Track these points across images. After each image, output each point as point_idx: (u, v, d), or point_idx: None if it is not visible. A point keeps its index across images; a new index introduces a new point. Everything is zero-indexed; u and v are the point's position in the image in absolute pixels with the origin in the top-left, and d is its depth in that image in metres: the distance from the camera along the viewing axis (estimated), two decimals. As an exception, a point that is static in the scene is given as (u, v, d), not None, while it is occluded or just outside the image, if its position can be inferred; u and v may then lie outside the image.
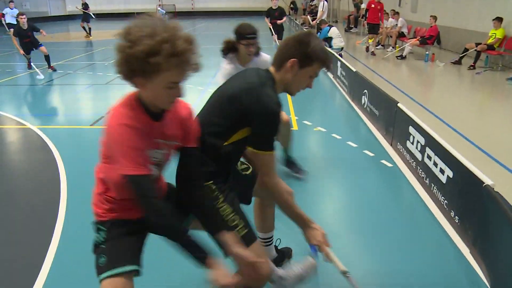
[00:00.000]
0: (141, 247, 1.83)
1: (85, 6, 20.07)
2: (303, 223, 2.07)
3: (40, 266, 2.86)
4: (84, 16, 20.20)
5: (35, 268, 2.83)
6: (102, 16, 35.41)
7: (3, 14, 16.60)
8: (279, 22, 11.97)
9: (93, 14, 21.32)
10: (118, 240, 1.74)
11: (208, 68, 13.52)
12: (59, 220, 3.47)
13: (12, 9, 16.54)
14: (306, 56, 1.96)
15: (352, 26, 20.70)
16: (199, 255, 1.63)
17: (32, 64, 10.40)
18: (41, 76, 9.88)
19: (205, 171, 1.92)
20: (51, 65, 10.80)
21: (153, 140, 1.64)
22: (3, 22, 18.36)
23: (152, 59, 1.41)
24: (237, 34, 3.42)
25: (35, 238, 3.27)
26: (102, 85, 9.30)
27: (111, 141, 1.56)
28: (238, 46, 3.43)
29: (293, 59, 1.96)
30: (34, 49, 10.46)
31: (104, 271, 1.67)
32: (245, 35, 3.37)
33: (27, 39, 10.23)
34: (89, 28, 20.07)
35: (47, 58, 10.63)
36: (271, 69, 2.06)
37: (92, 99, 8.32)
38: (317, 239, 2.03)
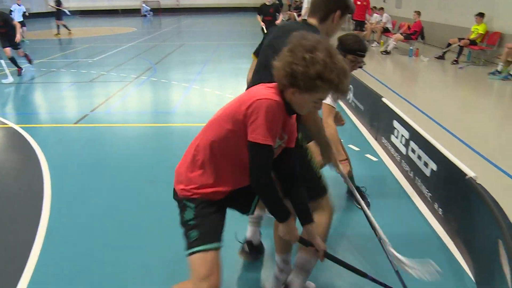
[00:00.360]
0: (224, 225, 1.97)
1: (58, 3, 19.41)
2: (323, 145, 2.40)
3: (24, 266, 2.83)
4: (57, 14, 19.56)
5: (19, 268, 2.80)
6: (86, 13, 35.00)
7: (11, 10, 16.10)
8: (277, 22, 10.72)
9: (68, 11, 20.69)
10: (207, 218, 1.87)
11: (193, 64, 13.37)
12: (43, 219, 3.43)
13: (20, 5, 16.14)
14: (347, 7, 2.32)
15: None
16: (282, 213, 1.88)
17: (1, 60, 9.44)
18: (9, 80, 9.06)
19: None
20: (20, 67, 9.84)
21: (280, 129, 1.81)
22: None
23: (317, 82, 1.65)
24: (346, 46, 3.02)
25: (19, 238, 3.22)
26: (86, 83, 9.20)
27: (262, 110, 1.68)
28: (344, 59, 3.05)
29: (338, 10, 2.29)
30: (9, 44, 9.49)
31: (196, 245, 1.82)
32: (357, 51, 3.02)
33: (1, 29, 9.39)
34: (63, 25, 19.36)
35: (12, 59, 9.53)
36: (312, 21, 2.31)
37: (76, 97, 8.22)
38: (336, 160, 2.47)
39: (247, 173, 1.78)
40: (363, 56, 3.07)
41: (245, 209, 2.10)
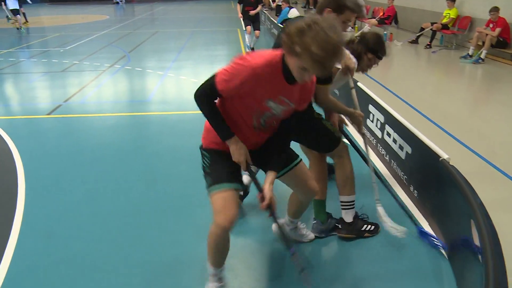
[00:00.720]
0: (237, 170, 2.22)
1: None
2: (349, 113, 2.93)
3: (0, 259, 2.78)
4: (18, 1, 19.01)
5: (-5, 263, 2.76)
6: (56, 1, 34.02)
7: None
8: (252, 12, 10.11)
9: None
10: (219, 164, 2.19)
11: (168, 52, 13.16)
12: (18, 212, 3.36)
13: None
14: (338, 5, 2.53)
15: (312, 6, 20.84)
16: (222, 132, 2.10)
17: None
18: None
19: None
20: None
21: (277, 95, 2.04)
22: (4, 8, 17.13)
23: (297, 48, 1.79)
24: (368, 45, 3.04)
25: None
26: (58, 73, 8.97)
27: (238, 66, 1.92)
28: (363, 55, 3.08)
29: (328, 8, 2.53)
30: None
31: (210, 187, 2.13)
32: (378, 53, 3.05)
33: None
34: (23, 13, 18.60)
35: None
36: None
37: (48, 87, 8.01)
38: (358, 122, 2.97)
39: (249, 133, 2.14)
40: (381, 58, 3.09)
41: (258, 165, 2.37)
